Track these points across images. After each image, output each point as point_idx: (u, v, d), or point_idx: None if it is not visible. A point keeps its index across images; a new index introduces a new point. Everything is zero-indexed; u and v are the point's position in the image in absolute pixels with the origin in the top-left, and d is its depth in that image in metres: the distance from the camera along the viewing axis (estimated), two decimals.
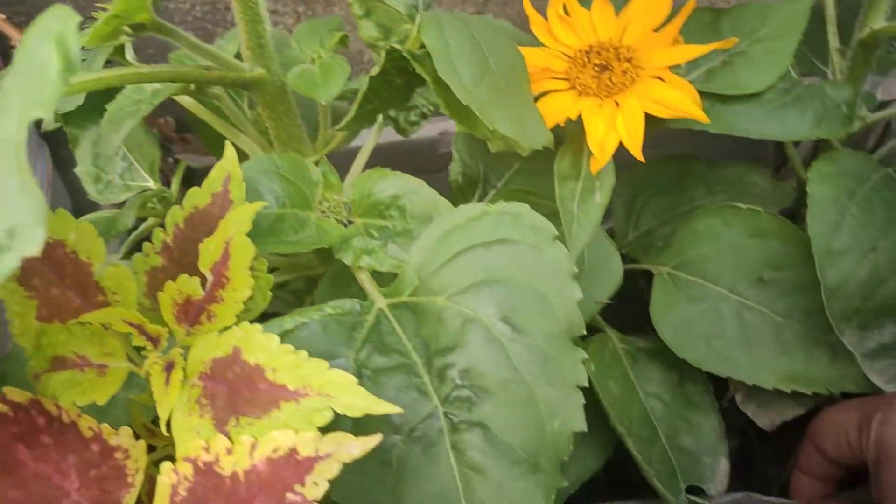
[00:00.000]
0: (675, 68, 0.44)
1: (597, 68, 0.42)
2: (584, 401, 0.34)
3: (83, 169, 0.54)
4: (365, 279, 0.40)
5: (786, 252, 0.49)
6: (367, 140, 0.56)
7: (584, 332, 0.36)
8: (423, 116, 0.55)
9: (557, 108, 0.42)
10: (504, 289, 0.36)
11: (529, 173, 0.55)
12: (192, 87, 0.48)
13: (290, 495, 0.28)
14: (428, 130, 0.70)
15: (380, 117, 0.57)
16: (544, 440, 0.33)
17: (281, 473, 0.28)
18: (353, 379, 0.29)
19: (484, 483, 0.32)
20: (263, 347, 0.30)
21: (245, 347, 0.30)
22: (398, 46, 0.39)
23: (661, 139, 0.66)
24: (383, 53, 0.40)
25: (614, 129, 0.41)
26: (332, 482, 0.32)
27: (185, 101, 0.52)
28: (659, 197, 0.60)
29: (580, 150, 0.43)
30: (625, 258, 0.63)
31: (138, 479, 0.33)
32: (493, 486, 0.32)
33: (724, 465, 0.50)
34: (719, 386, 0.54)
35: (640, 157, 0.41)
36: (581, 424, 0.34)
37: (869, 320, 0.45)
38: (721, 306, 0.50)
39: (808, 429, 0.48)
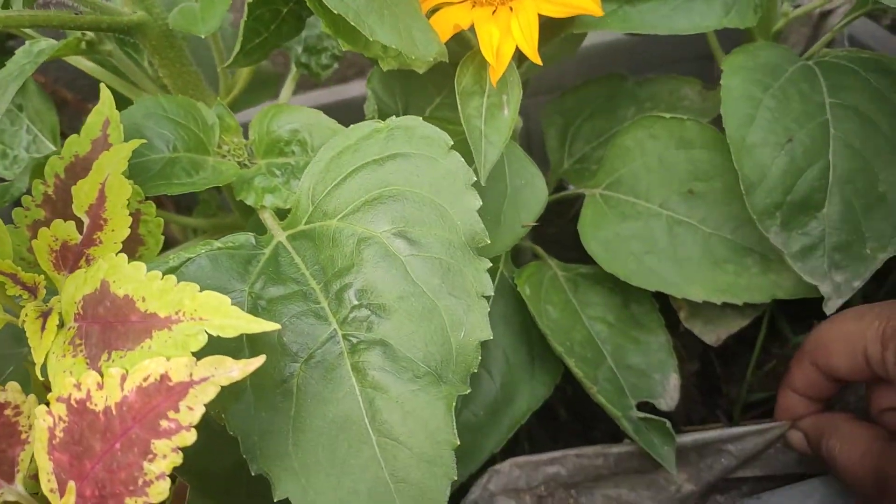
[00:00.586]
0: None
1: None
2: (488, 309, 0.33)
3: None
4: (267, 217, 0.39)
5: (713, 161, 0.47)
6: (284, 90, 0.54)
7: (487, 241, 0.34)
8: (335, 59, 0.53)
9: (449, 21, 0.40)
10: (398, 204, 0.34)
11: (451, 107, 0.53)
12: (84, 46, 0.46)
13: (163, 422, 0.26)
14: (362, 87, 0.69)
15: (293, 69, 0.56)
16: (449, 352, 0.32)
17: (153, 402, 0.26)
18: (226, 299, 0.28)
19: (386, 400, 0.30)
20: (131, 277, 0.28)
21: (113, 279, 0.29)
22: None
23: (590, 63, 0.65)
24: None
25: (510, 34, 0.39)
26: (230, 416, 0.30)
27: (85, 64, 0.50)
28: (591, 121, 0.58)
29: (482, 65, 0.41)
30: (562, 186, 0.62)
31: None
32: (394, 402, 0.30)
33: (674, 380, 0.49)
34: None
35: (536, 59, 0.39)
36: (486, 333, 0.32)
37: (792, 216, 0.43)
38: (652, 223, 0.49)
39: (806, 344, 0.43)
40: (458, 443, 0.29)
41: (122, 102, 0.42)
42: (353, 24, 0.34)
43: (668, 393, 0.49)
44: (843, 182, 0.43)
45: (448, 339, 0.32)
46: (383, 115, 0.52)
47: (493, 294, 0.33)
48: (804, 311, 0.62)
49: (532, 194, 0.47)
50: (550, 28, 0.43)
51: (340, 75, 0.75)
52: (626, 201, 0.50)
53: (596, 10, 0.39)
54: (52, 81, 0.69)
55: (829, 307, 0.43)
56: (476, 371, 0.32)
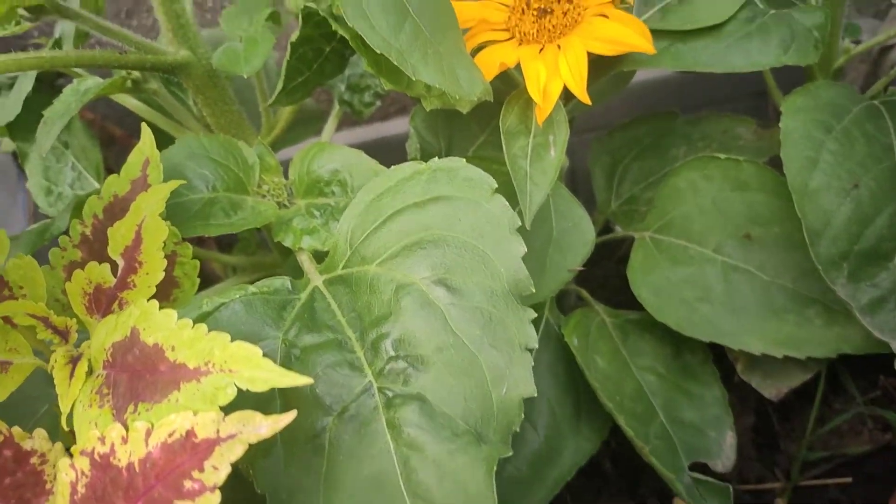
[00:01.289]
0: (625, 9, 0.41)
1: (536, 13, 0.39)
2: (532, 363, 0.31)
3: (34, 182, 0.53)
4: (305, 259, 0.38)
5: (770, 205, 0.45)
6: (326, 127, 0.54)
7: (532, 290, 0.32)
8: (378, 97, 0.52)
9: (495, 59, 0.39)
10: (439, 249, 0.32)
11: (496, 145, 0.51)
12: (129, 84, 0.46)
13: (187, 483, 0.25)
14: (404, 125, 0.68)
15: (336, 106, 0.55)
16: (490, 409, 0.30)
17: (177, 460, 0.25)
18: (258, 351, 0.26)
19: (422, 460, 0.29)
20: (161, 325, 0.27)
21: (143, 327, 0.28)
22: (313, 5, 0.36)
23: (638, 100, 0.63)
24: (301, 16, 0.37)
25: (557, 73, 0.38)
26: (258, 471, 0.29)
27: (131, 102, 0.50)
28: (640, 161, 0.56)
29: (527, 104, 0.40)
30: (609, 227, 0.60)
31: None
32: (431, 462, 0.28)
33: (730, 438, 0.46)
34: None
35: (586, 98, 0.37)
36: (530, 388, 0.30)
37: (860, 267, 0.40)
38: (706, 269, 0.46)
39: None
40: None
41: (167, 141, 0.42)
42: (396, 63, 0.33)
43: (725, 453, 0.46)
44: None
45: (489, 394, 0.30)
46: (426, 154, 0.51)
47: (537, 346, 0.31)
48: (869, 366, 0.58)
49: (578, 237, 0.45)
50: (599, 66, 0.41)
51: (383, 112, 0.74)
52: (678, 245, 0.48)
53: (648, 48, 0.37)
54: (101, 118, 0.70)
55: None
56: (518, 430, 0.30)
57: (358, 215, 0.35)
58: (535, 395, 0.30)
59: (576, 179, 0.64)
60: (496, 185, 0.34)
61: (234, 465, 0.27)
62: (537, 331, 0.48)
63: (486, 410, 0.30)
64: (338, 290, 0.34)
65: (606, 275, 0.60)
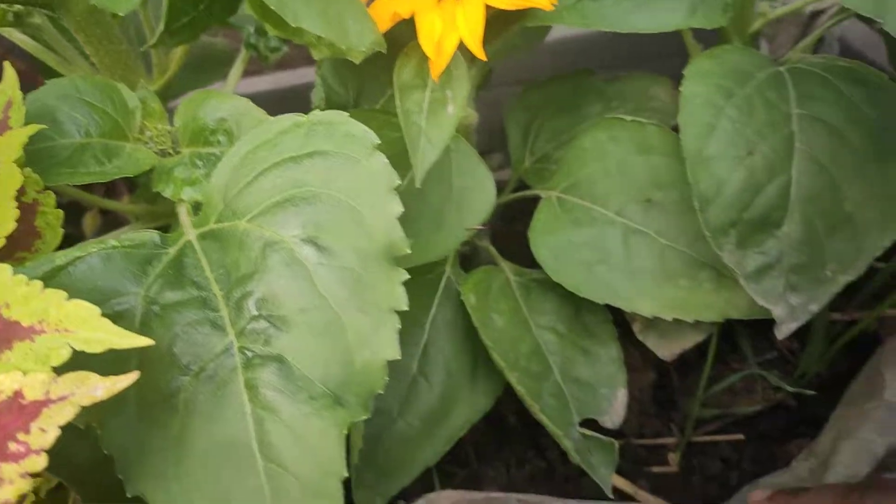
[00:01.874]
0: None
1: None
2: (399, 326, 0.30)
3: None
4: (183, 211, 0.36)
5: (672, 169, 0.45)
6: (232, 72, 0.52)
7: (407, 251, 0.32)
8: (284, 41, 0.50)
9: (389, 9, 0.37)
10: (311, 207, 0.31)
11: None
12: (11, 18, 0.43)
13: (12, 445, 0.24)
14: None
15: (243, 49, 0.53)
16: (352, 372, 0.29)
17: (2, 420, 0.24)
18: (96, 310, 0.25)
19: (277, 423, 0.28)
20: None
21: None
22: None
23: (563, 56, 0.62)
24: None
25: (454, 26, 0.36)
26: (107, 430, 0.28)
27: (18, 37, 0.47)
28: (555, 118, 0.55)
29: (425, 57, 0.39)
30: (526, 186, 0.59)
31: None
32: (285, 425, 0.28)
33: (621, 396, 0.47)
34: None
35: (480, 54, 0.36)
36: (394, 352, 0.30)
37: (748, 234, 0.41)
38: (607, 231, 0.46)
39: None
40: (347, 474, 0.27)
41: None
42: (274, 8, 0.32)
43: (615, 409, 0.46)
44: (805, 200, 0.40)
45: (352, 357, 0.29)
46: (332, 105, 0.49)
47: (406, 309, 0.30)
48: (768, 327, 0.60)
49: (479, 196, 0.44)
50: (502, 21, 0.40)
51: (305, 58, 0.71)
52: (582, 206, 0.47)
53: (545, 4, 0.36)
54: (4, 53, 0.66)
55: (782, 331, 0.40)
56: (382, 392, 0.30)
57: (233, 168, 0.33)
58: (399, 357, 0.29)
59: (493, 137, 0.63)
60: (378, 142, 0.33)
61: (84, 422, 0.26)
62: (437, 288, 0.49)
63: (347, 373, 0.29)
64: (209, 245, 0.33)
65: (519, 234, 0.60)
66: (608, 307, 0.49)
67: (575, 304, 0.49)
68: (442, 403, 0.46)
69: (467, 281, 0.46)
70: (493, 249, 0.54)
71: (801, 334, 0.59)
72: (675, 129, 0.47)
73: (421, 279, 0.48)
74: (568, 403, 0.46)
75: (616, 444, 0.45)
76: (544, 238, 0.47)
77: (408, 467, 0.45)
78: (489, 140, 0.64)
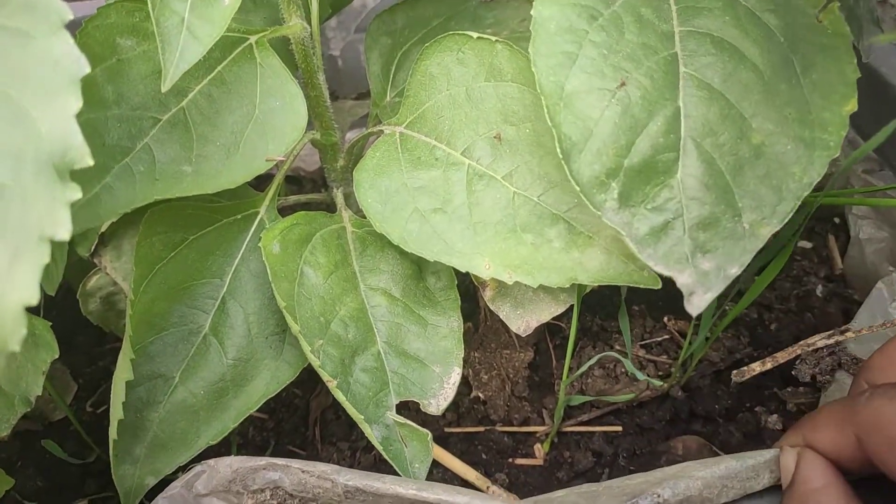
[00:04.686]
0: None
1: None
2: (48, 259, 0.22)
3: None
4: None
5: (524, 99, 0.36)
6: None
7: (89, 162, 0.23)
8: None
9: None
10: None
11: None
12: None
13: None
14: None
15: None
16: None
17: None
18: None
19: None
20: None
21: None
22: None
23: None
24: None
25: None
26: None
27: None
28: (422, 46, 0.46)
29: None
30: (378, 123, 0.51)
31: None
32: None
33: (455, 376, 0.39)
34: None
35: None
36: (31, 295, 0.21)
37: (633, 187, 0.32)
38: (451, 174, 0.38)
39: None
40: None
41: None
42: None
43: (444, 392, 0.39)
44: (700, 135, 0.31)
45: None
46: None
47: (67, 238, 0.22)
48: (661, 299, 0.52)
49: (286, 120, 0.36)
50: None
51: None
52: (426, 144, 0.39)
53: None
54: None
55: (694, 305, 0.30)
56: (17, 349, 0.22)
57: None
58: (35, 303, 0.21)
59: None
60: (69, 17, 0.24)
61: None
62: (245, 233, 0.41)
63: None
64: None
65: None
66: (457, 273, 0.41)
67: (416, 265, 0.42)
68: (236, 371, 0.38)
69: (274, 227, 0.38)
70: (340, 196, 0.46)
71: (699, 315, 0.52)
72: None
73: (224, 221, 0.39)
74: (387, 381, 0.38)
75: (429, 434, 0.37)
76: (375, 180, 0.39)
77: (189, 442, 0.37)
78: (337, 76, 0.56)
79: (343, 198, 0.45)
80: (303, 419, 0.50)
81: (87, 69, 0.24)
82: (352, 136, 0.55)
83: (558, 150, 0.32)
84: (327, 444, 0.48)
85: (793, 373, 0.44)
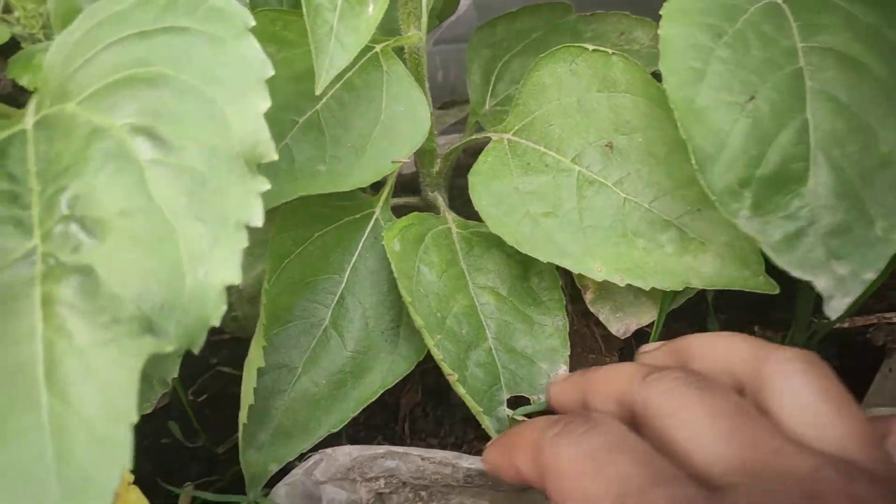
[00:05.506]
0: None
1: None
2: (246, 244, 0.24)
3: None
4: (34, 101, 0.30)
5: (637, 109, 0.38)
6: None
7: (275, 157, 0.25)
8: None
9: None
10: (153, 91, 0.25)
11: None
12: None
13: None
14: None
15: None
16: (179, 294, 0.23)
17: None
18: None
19: (69, 350, 0.22)
20: None
21: None
22: None
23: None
24: None
25: None
26: None
27: None
28: (522, 57, 0.49)
29: None
30: (480, 130, 0.53)
31: None
32: (78, 354, 0.22)
33: (563, 372, 0.41)
34: None
35: None
36: (234, 275, 0.23)
37: (766, 196, 0.33)
38: (561, 180, 0.40)
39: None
40: (136, 419, 0.21)
41: None
42: None
43: None
44: (829, 145, 0.33)
45: (181, 276, 0.23)
46: None
47: (260, 225, 0.24)
48: (750, 312, 0.53)
49: (411, 125, 0.38)
50: None
51: None
52: (535, 150, 0.41)
53: None
54: None
55: (833, 308, 0.32)
56: (217, 325, 0.23)
57: (74, 43, 0.27)
58: (238, 282, 0.23)
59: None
60: (253, 23, 0.27)
61: None
62: (362, 232, 0.43)
63: (171, 294, 0.23)
64: (41, 134, 0.27)
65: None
66: (560, 273, 0.43)
67: (522, 265, 0.43)
68: (355, 362, 0.40)
69: (394, 226, 0.40)
70: (441, 199, 0.48)
71: (787, 326, 0.52)
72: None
73: (345, 220, 0.42)
74: (499, 376, 0.40)
75: None
76: (488, 183, 0.40)
77: (310, 430, 0.39)
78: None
79: (443, 201, 0.47)
80: (392, 415, 0.52)
81: (272, 71, 0.26)
82: (440, 142, 0.57)
83: (693, 161, 0.33)
84: (417, 439, 0.50)
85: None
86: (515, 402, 0.41)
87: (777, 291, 0.35)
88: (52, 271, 0.23)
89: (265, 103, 0.26)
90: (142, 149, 0.24)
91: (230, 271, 0.23)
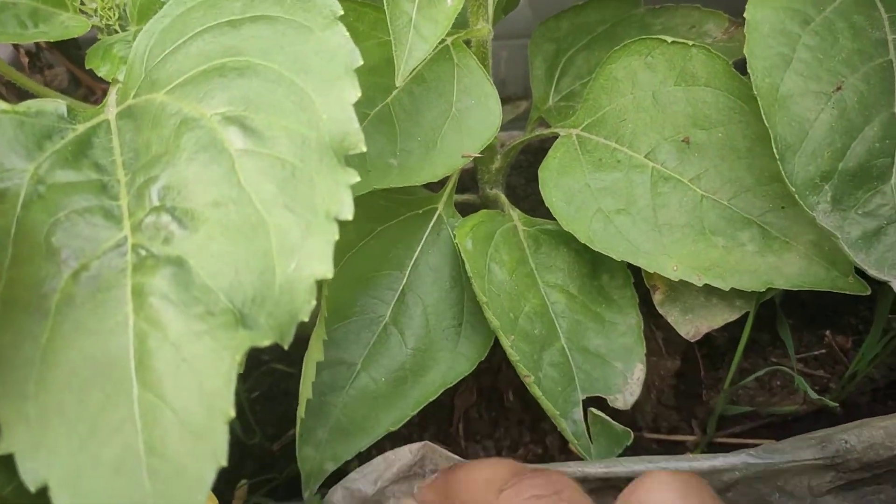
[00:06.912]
0: None
1: None
2: (337, 236, 0.23)
3: None
4: (114, 91, 0.30)
5: (718, 104, 0.37)
6: None
7: (363, 148, 0.25)
8: None
9: None
10: (244, 80, 0.25)
11: None
12: None
13: None
14: None
15: None
16: (269, 286, 0.23)
17: None
18: None
19: (162, 342, 0.22)
20: None
21: None
22: None
23: None
24: None
25: None
26: None
27: None
28: (587, 52, 0.48)
29: None
30: (543, 126, 0.52)
31: None
32: (171, 346, 0.22)
33: (638, 372, 0.39)
34: None
35: None
36: (325, 268, 0.23)
37: (846, 190, 0.32)
38: (634, 176, 0.39)
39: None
40: (234, 414, 0.21)
41: None
42: None
43: (629, 388, 0.39)
44: None
45: (271, 268, 0.23)
46: None
47: (350, 218, 0.24)
48: (819, 317, 0.51)
49: (482, 119, 0.37)
50: None
51: None
52: (606, 146, 0.40)
53: None
54: None
55: None
56: (306, 320, 0.23)
57: (161, 31, 0.27)
58: (330, 276, 0.23)
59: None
60: (341, 12, 0.26)
61: None
62: (424, 228, 0.42)
63: (262, 287, 0.23)
64: (126, 124, 0.27)
65: (533, 180, 0.53)
66: (631, 270, 0.42)
67: (591, 263, 0.42)
68: (415, 361, 0.39)
69: (464, 225, 0.39)
70: (503, 197, 0.47)
71: (859, 330, 0.51)
72: (738, 66, 0.39)
73: (406, 215, 0.41)
74: (573, 377, 0.39)
75: (631, 434, 0.38)
76: (558, 179, 0.40)
77: (369, 428, 0.38)
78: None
79: (505, 197, 0.46)
80: (447, 416, 0.51)
81: (361, 61, 0.26)
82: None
83: (774, 150, 0.32)
84: (471, 441, 0.49)
85: None
86: (589, 404, 0.40)
87: (868, 293, 0.34)
88: (143, 262, 0.23)
89: (355, 93, 0.25)
90: (233, 139, 0.24)
91: (322, 264, 0.23)
